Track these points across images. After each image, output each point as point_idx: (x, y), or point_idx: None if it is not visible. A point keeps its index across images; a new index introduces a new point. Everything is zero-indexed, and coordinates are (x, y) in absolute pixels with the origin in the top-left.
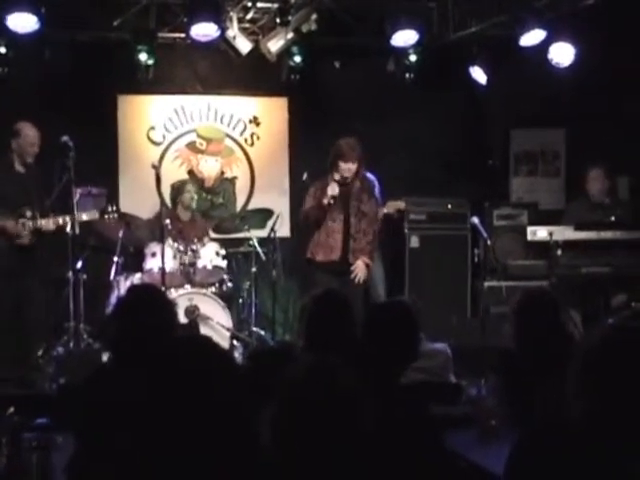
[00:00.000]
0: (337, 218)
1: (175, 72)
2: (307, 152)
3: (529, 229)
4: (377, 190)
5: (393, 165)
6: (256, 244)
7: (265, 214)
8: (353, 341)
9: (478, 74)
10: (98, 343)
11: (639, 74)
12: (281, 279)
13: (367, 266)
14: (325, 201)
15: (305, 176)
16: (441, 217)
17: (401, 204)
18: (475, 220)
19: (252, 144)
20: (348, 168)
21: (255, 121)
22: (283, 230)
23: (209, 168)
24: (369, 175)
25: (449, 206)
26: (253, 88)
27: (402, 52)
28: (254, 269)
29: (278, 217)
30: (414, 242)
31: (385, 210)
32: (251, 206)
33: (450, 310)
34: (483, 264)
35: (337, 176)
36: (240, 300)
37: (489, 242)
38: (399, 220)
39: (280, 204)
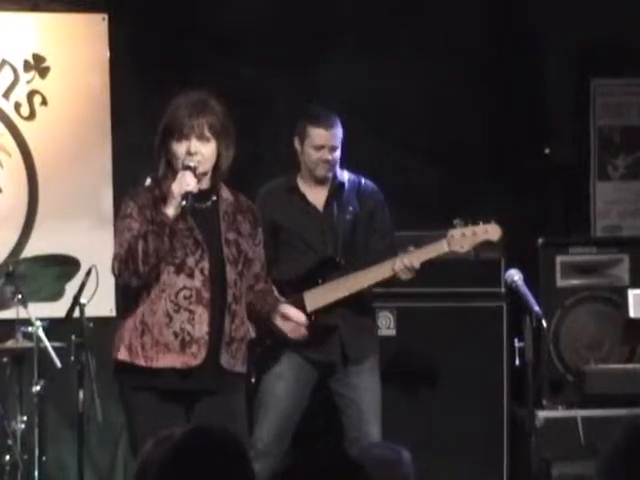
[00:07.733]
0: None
1: None
2: (151, 123)
3: (632, 294)
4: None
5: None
6: (41, 335)
7: (61, 267)
8: None
9: None
10: None
11: None
12: (97, 410)
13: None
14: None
15: (148, 181)
16: (444, 270)
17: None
18: (516, 277)
19: (30, 116)
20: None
21: (37, 66)
22: (103, 302)
23: None
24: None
25: None
26: None
27: None
28: (37, 388)
29: (90, 272)
30: (386, 325)
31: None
32: (30, 250)
33: (468, 471)
34: (534, 371)
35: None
36: (7, 456)
37: (545, 323)
38: None
39: (95, 244)
